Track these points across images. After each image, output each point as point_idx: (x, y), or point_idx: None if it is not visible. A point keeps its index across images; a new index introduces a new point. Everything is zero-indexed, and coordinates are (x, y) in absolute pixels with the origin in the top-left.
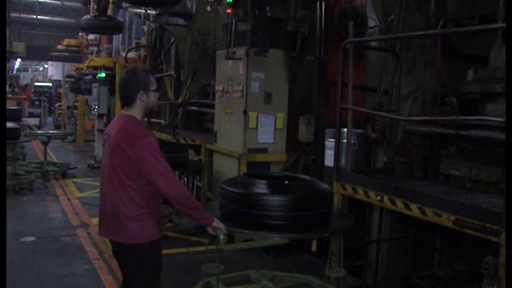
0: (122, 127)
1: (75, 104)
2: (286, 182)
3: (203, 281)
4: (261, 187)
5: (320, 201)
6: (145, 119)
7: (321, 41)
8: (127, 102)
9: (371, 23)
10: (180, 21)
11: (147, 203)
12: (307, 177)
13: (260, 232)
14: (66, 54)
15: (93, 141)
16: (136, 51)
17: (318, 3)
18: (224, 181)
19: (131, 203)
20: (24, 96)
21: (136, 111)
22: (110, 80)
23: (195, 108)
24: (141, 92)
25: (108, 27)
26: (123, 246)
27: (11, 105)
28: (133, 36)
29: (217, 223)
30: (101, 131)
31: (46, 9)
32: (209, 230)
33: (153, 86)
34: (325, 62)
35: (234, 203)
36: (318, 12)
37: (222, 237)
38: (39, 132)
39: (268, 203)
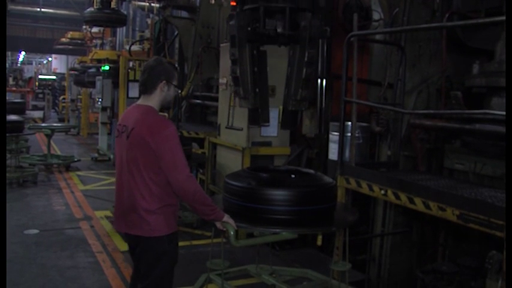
0: (142, 118)
1: (79, 97)
2: (293, 176)
3: (208, 275)
4: (266, 181)
5: (325, 195)
6: None
7: (321, 120)
8: (147, 89)
9: (376, 16)
10: (184, 14)
11: (167, 196)
12: (311, 171)
13: (269, 228)
14: (70, 47)
15: (97, 134)
16: (140, 44)
17: (319, 81)
18: (227, 175)
19: (151, 196)
20: (28, 89)
21: (154, 102)
22: (113, 73)
23: (198, 101)
24: (164, 82)
25: (111, 20)
26: (141, 239)
27: (15, 98)
28: (137, 29)
29: (227, 218)
30: (104, 124)
31: (50, 2)
32: (218, 225)
33: (175, 81)
34: (325, 139)
35: (238, 197)
36: (319, 91)
37: (232, 233)
38: (43, 125)
39: (273, 197)
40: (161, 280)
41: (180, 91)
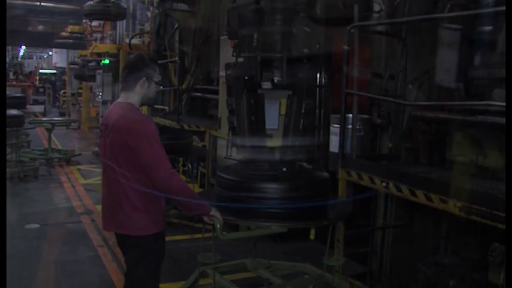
0: (121, 116)
1: (80, 91)
2: (285, 169)
3: (199, 270)
4: (257, 174)
5: (318, 189)
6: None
7: (321, 112)
8: (127, 85)
9: (376, 7)
10: (184, 6)
11: (151, 194)
12: (305, 164)
13: (257, 221)
14: (70, 41)
15: (98, 128)
16: (140, 37)
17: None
18: (220, 168)
19: (135, 193)
20: (29, 84)
21: (134, 99)
22: (113, 67)
23: (199, 94)
24: (144, 78)
25: (111, 13)
26: (127, 237)
27: (15, 92)
28: (137, 22)
29: (214, 212)
30: None
31: None
32: (205, 219)
33: (157, 78)
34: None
35: (229, 190)
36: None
37: (218, 226)
38: (44, 119)
39: (263, 190)
40: (146, 278)
41: (161, 87)
